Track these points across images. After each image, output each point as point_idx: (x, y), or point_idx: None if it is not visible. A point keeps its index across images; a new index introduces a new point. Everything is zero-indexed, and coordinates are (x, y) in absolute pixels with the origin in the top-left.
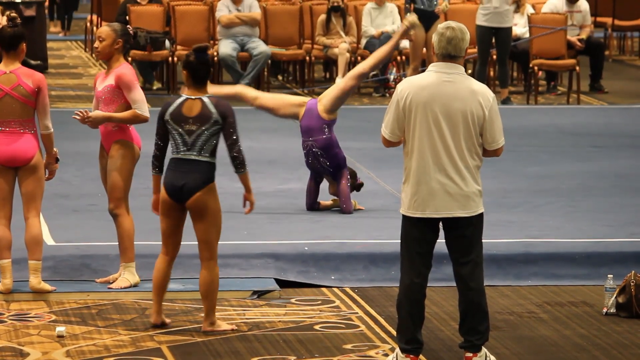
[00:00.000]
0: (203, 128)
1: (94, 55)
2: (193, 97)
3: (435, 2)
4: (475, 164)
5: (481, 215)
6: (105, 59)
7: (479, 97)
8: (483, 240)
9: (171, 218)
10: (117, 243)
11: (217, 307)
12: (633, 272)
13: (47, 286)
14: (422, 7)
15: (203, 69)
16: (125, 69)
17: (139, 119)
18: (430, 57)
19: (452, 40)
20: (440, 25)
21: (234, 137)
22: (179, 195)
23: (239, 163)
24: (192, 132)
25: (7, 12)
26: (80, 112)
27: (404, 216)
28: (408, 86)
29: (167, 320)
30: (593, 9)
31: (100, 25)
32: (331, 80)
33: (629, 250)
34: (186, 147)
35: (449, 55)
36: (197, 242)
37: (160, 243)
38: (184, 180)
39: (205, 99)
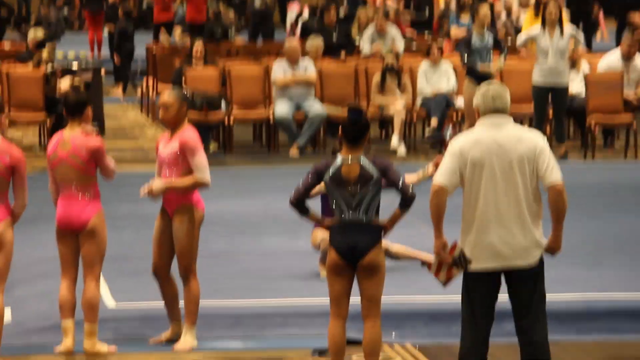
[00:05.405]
0: (366, 189)
1: (149, 116)
2: (349, 158)
3: (489, 59)
4: (534, 211)
5: (541, 266)
6: (173, 126)
7: (528, 141)
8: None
9: (344, 278)
10: (167, 304)
11: None
12: None
13: (101, 348)
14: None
15: (355, 129)
16: (189, 133)
17: (199, 185)
18: None
19: (496, 95)
20: (479, 88)
21: (402, 179)
22: (350, 255)
23: (412, 204)
24: (355, 194)
25: (71, 81)
26: (144, 188)
27: (465, 272)
28: (463, 140)
29: None
30: None
31: (157, 88)
32: (387, 139)
33: None
34: (351, 210)
35: (497, 110)
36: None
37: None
38: (355, 241)
39: (363, 160)
